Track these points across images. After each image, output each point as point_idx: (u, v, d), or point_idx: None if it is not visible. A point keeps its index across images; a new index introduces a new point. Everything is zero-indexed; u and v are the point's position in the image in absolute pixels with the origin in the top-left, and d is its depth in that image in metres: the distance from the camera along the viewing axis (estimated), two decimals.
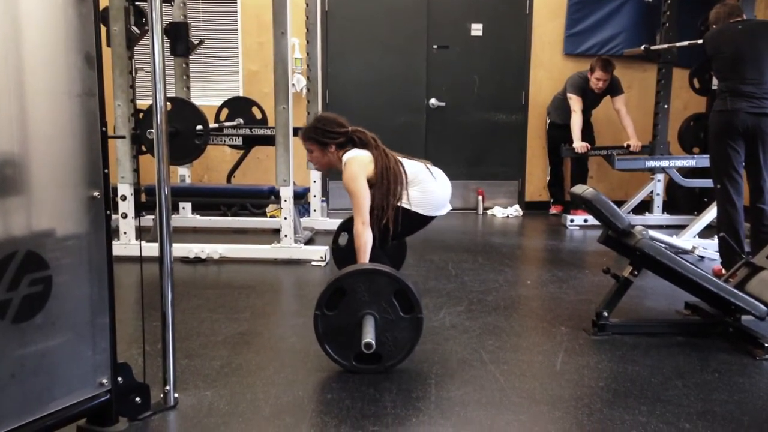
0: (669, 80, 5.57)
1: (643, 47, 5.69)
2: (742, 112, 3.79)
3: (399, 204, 3.04)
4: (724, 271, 3.82)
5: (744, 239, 3.91)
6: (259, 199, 5.19)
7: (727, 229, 3.86)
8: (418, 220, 3.12)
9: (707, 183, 5.03)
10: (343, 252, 3.56)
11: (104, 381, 1.95)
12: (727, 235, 3.83)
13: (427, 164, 3.21)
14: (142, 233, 4.63)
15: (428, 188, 3.11)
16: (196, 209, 5.74)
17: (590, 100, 5.91)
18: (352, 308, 2.50)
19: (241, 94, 6.18)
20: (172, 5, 5.14)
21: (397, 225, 3.03)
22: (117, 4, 4.16)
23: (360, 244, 2.91)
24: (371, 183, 3.04)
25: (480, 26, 6.53)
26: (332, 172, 6.36)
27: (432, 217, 3.16)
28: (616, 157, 5.51)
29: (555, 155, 6.24)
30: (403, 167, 3.10)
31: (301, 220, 5.02)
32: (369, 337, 2.36)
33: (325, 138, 3.15)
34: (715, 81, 5.76)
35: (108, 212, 1.90)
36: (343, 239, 3.60)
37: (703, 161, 5.20)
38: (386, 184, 3.02)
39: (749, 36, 3.87)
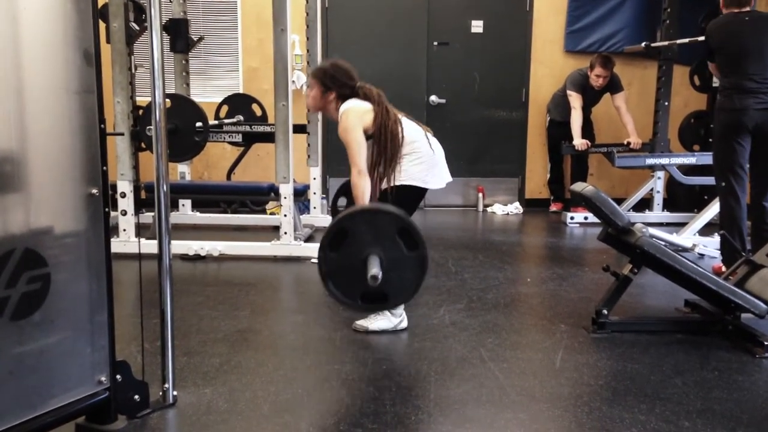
0: (669, 77, 5.56)
1: (643, 44, 5.68)
2: (750, 109, 3.78)
3: (395, 181, 3.03)
4: (724, 269, 3.83)
5: (746, 236, 3.91)
6: (259, 196, 5.18)
7: (730, 225, 3.85)
8: (414, 193, 3.09)
9: (708, 180, 5.02)
10: None
11: (103, 379, 1.94)
12: (730, 232, 3.82)
13: (428, 132, 3.19)
14: (141, 230, 4.62)
15: (423, 159, 3.08)
16: (195, 206, 5.73)
17: (590, 98, 5.90)
18: (356, 249, 2.48)
19: (240, 91, 6.16)
20: (171, 1, 5.13)
21: (407, 204, 3.01)
22: (117, 0, 4.14)
23: (358, 194, 2.92)
24: (368, 135, 3.03)
25: (480, 23, 6.51)
26: (333, 169, 6.39)
27: (425, 189, 3.13)
28: (617, 155, 5.50)
29: (555, 152, 6.24)
30: (402, 128, 3.07)
31: (300, 217, 5.02)
32: (375, 270, 2.35)
33: (330, 83, 3.12)
34: (715, 78, 5.79)
35: (107, 209, 1.90)
36: (342, 202, 3.59)
37: (704, 159, 5.19)
38: (384, 142, 3.01)
39: (754, 29, 3.84)
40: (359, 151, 2.96)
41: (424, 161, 3.08)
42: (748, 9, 3.90)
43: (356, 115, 3.02)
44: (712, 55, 4.03)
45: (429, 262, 2.54)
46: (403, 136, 3.05)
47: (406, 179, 3.04)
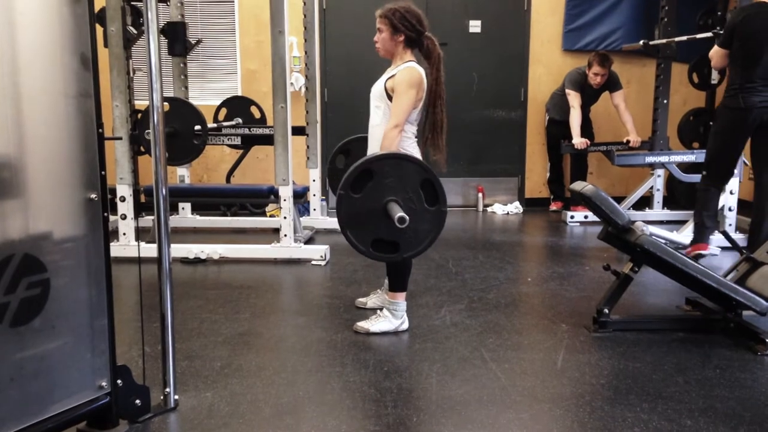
0: (668, 75, 5.55)
1: (641, 42, 5.67)
2: (755, 108, 3.79)
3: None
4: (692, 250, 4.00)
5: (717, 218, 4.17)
6: (259, 199, 5.17)
7: (704, 206, 4.04)
8: None
9: None
10: (341, 174, 3.51)
11: (104, 383, 1.94)
12: (704, 212, 4.05)
13: None
14: (141, 234, 4.62)
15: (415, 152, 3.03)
16: (195, 209, 5.73)
17: (589, 96, 5.90)
18: (378, 193, 2.48)
19: (239, 94, 6.17)
20: (168, 5, 5.13)
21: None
22: (114, 4, 4.14)
23: (387, 144, 2.85)
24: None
25: (478, 23, 6.51)
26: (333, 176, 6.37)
27: None
28: (616, 153, 5.50)
29: (554, 152, 6.24)
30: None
31: (300, 219, 5.02)
32: (401, 212, 2.35)
33: (401, 23, 2.98)
34: (715, 75, 5.79)
35: (105, 214, 1.90)
36: (340, 162, 3.56)
37: (703, 156, 5.17)
38: (434, 101, 2.98)
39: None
40: (407, 107, 2.89)
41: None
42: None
43: (420, 79, 2.93)
44: (729, 42, 3.91)
45: (445, 220, 2.54)
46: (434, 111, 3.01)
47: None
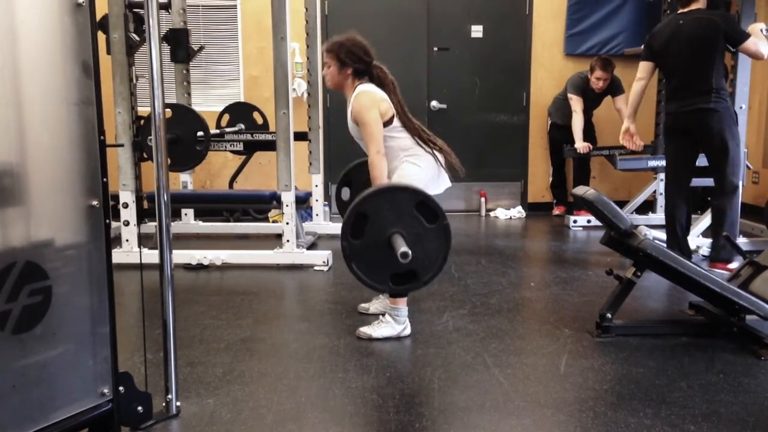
0: None
1: (643, 46, 5.66)
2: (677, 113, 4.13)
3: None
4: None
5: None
6: (261, 205, 5.18)
7: (670, 211, 4.22)
8: None
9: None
10: (347, 206, 3.53)
11: (106, 390, 1.94)
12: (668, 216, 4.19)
13: (430, 137, 3.19)
14: (144, 240, 4.63)
15: (425, 160, 3.08)
16: (198, 215, 5.74)
17: (591, 100, 5.89)
18: (378, 230, 2.48)
19: (241, 100, 6.18)
20: (169, 12, 5.14)
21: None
22: (116, 11, 4.16)
23: (376, 174, 2.90)
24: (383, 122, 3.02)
25: (480, 28, 6.52)
26: (335, 175, 6.38)
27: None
28: (619, 157, 5.49)
29: (557, 156, 6.24)
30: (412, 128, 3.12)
31: (303, 224, 5.02)
32: (403, 247, 2.35)
33: (347, 58, 3.07)
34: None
35: (107, 221, 1.90)
36: (345, 194, 3.58)
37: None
38: (412, 124, 3.07)
39: (687, 32, 4.02)
40: (377, 129, 2.94)
41: (426, 167, 3.07)
42: (687, 9, 3.97)
43: (372, 99, 2.99)
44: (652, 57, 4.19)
45: (451, 232, 2.54)
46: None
47: (412, 182, 3.02)
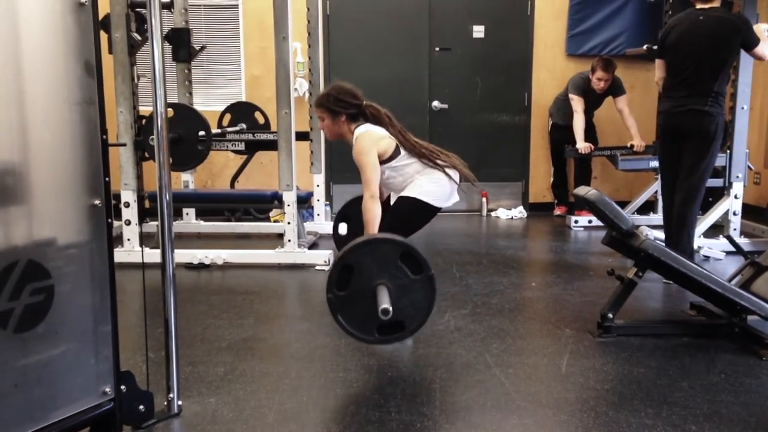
0: None
1: (645, 47, 5.66)
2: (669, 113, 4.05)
3: (410, 195, 3.06)
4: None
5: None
6: (263, 204, 5.19)
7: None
8: (428, 211, 3.13)
9: (712, 182, 5.00)
10: (345, 240, 3.56)
11: (107, 389, 1.94)
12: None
13: (445, 156, 3.24)
14: (145, 240, 4.63)
15: (439, 177, 3.12)
16: (200, 215, 5.74)
17: (592, 101, 5.89)
18: (363, 282, 2.49)
19: (243, 99, 6.18)
20: (171, 12, 5.15)
21: (412, 217, 3.08)
22: (118, 11, 4.17)
23: (369, 218, 2.94)
24: (381, 160, 3.06)
25: (482, 28, 6.52)
26: (336, 176, 6.39)
27: (439, 208, 3.17)
28: (620, 158, 5.49)
29: (558, 156, 6.23)
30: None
31: (304, 224, 5.02)
32: (385, 303, 2.36)
33: (336, 106, 3.15)
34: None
35: (109, 220, 1.90)
36: (342, 228, 3.61)
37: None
38: (417, 147, 3.11)
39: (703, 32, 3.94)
40: (373, 174, 2.99)
41: (441, 183, 3.14)
42: (708, 6, 3.86)
43: (371, 139, 3.05)
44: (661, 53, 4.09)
45: (437, 283, 2.55)
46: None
47: (419, 194, 3.07)
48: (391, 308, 2.34)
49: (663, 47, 4.03)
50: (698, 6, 3.88)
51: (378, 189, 3.00)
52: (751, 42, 3.81)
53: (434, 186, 3.10)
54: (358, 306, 2.49)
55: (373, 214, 2.94)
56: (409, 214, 3.11)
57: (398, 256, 2.49)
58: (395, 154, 3.10)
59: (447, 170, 3.14)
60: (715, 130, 3.85)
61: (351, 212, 3.57)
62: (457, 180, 3.21)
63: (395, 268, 2.48)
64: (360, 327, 2.51)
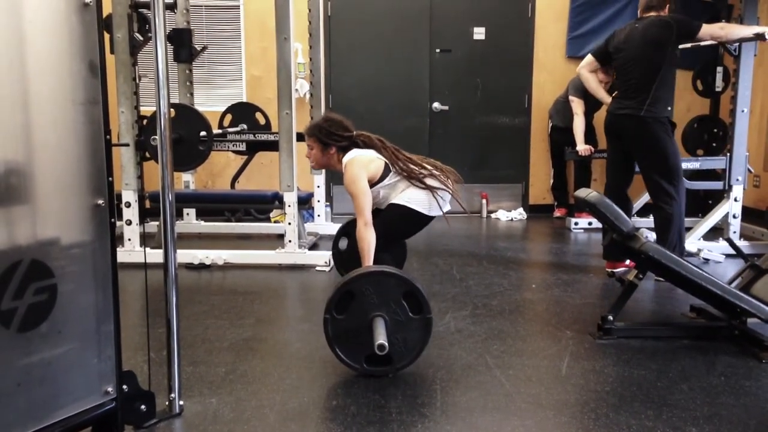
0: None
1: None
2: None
3: (400, 202, 3.06)
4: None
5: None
6: (263, 205, 5.20)
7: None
8: (418, 219, 3.12)
9: (712, 185, 5.02)
10: (344, 256, 3.57)
11: (109, 389, 1.95)
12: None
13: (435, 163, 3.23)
14: (146, 240, 4.63)
15: (427, 194, 3.12)
16: (200, 215, 5.75)
17: (592, 103, 5.88)
18: (362, 311, 2.49)
19: (244, 100, 6.19)
20: (174, 12, 5.15)
21: (401, 224, 3.05)
22: (120, 11, 4.17)
23: (364, 246, 2.92)
24: (372, 182, 3.05)
25: (482, 30, 6.53)
26: (336, 177, 6.39)
27: (432, 217, 3.17)
28: None
29: (558, 158, 6.24)
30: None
31: (305, 225, 5.02)
32: (382, 338, 2.36)
33: (328, 139, 3.15)
34: (719, 82, 5.80)
35: (112, 220, 1.90)
36: (343, 243, 3.61)
37: (708, 163, 5.18)
38: (404, 163, 3.10)
39: (635, 38, 4.05)
40: (365, 202, 2.97)
41: (429, 195, 3.13)
42: (646, 15, 3.98)
43: (360, 165, 3.04)
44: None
45: (433, 326, 2.56)
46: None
47: (407, 201, 3.07)
48: (387, 344, 2.35)
49: (605, 51, 4.17)
50: (640, 16, 4.01)
51: (371, 216, 2.98)
52: (690, 31, 3.84)
53: (423, 194, 3.09)
54: (353, 332, 2.50)
55: (367, 242, 2.92)
56: (398, 221, 3.11)
57: (401, 292, 2.50)
58: (386, 173, 3.10)
59: (435, 193, 3.11)
60: (652, 134, 3.87)
61: (352, 229, 3.59)
62: (446, 199, 3.18)
63: (396, 304, 2.49)
64: (349, 353, 2.52)
